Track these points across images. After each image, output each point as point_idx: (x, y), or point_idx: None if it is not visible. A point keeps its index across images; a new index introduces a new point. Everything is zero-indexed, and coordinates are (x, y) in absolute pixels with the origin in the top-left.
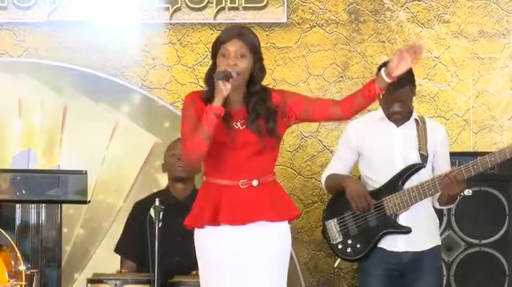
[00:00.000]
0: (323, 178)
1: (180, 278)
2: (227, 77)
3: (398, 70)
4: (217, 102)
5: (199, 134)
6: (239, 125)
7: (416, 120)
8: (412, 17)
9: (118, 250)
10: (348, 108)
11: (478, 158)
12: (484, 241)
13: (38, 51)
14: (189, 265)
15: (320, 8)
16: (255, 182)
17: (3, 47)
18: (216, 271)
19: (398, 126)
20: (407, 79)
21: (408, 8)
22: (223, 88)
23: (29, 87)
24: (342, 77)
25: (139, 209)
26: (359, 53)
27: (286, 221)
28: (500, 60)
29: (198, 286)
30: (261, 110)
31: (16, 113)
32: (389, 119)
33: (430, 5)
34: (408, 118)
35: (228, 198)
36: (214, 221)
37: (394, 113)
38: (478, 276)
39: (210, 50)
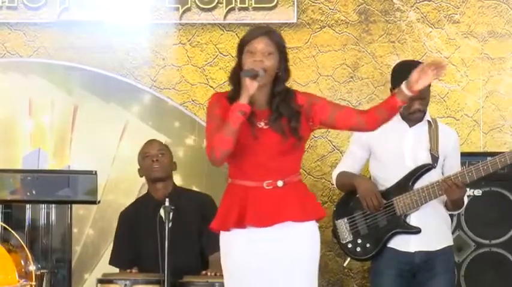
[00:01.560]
0: (334, 174)
1: (190, 278)
2: (254, 75)
3: (420, 84)
4: (244, 99)
5: (224, 131)
6: (262, 125)
7: (429, 121)
8: (422, 17)
9: (112, 262)
10: (373, 120)
11: (488, 158)
12: (494, 241)
13: (48, 51)
14: (187, 263)
15: (330, 9)
16: (280, 183)
17: (13, 47)
18: (243, 274)
19: (411, 126)
20: None
21: (418, 8)
22: (250, 86)
23: (39, 87)
24: (351, 77)
25: (127, 217)
26: (369, 54)
27: (314, 221)
28: (510, 61)
29: (207, 286)
30: (284, 110)
31: (26, 113)
32: (408, 118)
33: (440, 5)
34: (421, 119)
35: (253, 200)
36: (240, 224)
37: (416, 111)
38: (488, 276)
39: (237, 47)
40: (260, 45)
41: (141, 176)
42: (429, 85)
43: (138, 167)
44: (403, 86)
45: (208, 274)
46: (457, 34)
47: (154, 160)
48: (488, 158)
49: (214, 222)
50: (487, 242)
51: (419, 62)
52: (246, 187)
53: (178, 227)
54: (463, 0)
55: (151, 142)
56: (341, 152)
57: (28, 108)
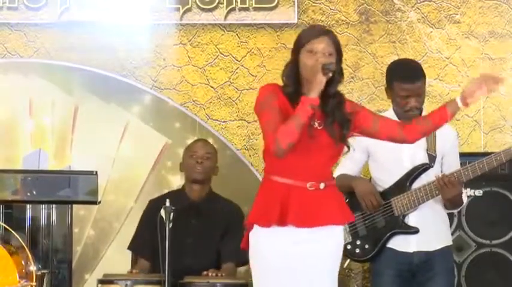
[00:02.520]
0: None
1: (191, 279)
2: (331, 70)
3: (474, 98)
4: (315, 94)
5: (292, 123)
6: (317, 125)
7: None
8: (422, 17)
9: (131, 247)
10: (415, 133)
11: (485, 157)
12: (494, 242)
13: (49, 51)
14: (200, 267)
15: (330, 9)
16: (322, 185)
17: (14, 47)
18: (275, 272)
19: None
20: (420, 73)
21: (419, 9)
22: (323, 81)
23: (39, 87)
24: (352, 77)
25: (154, 207)
26: (370, 54)
27: (342, 226)
28: (510, 61)
29: (208, 286)
30: (338, 114)
31: (27, 114)
32: (404, 117)
33: (441, 5)
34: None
35: (296, 199)
36: (282, 222)
37: (412, 108)
38: (488, 277)
39: (294, 45)
40: (321, 45)
41: (181, 171)
42: (424, 83)
43: (181, 161)
44: (458, 99)
45: (209, 274)
46: (458, 34)
47: (199, 162)
48: (485, 157)
49: (252, 216)
50: (487, 242)
51: (414, 61)
52: (289, 185)
53: (203, 229)
54: (464, 0)
55: (200, 142)
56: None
57: (28, 108)
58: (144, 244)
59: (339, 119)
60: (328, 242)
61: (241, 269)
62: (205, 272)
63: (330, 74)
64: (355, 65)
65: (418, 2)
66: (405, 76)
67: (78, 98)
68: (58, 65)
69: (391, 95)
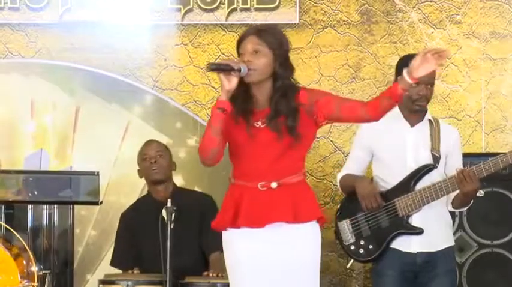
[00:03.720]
0: (338, 178)
1: (192, 279)
2: (223, 69)
3: (421, 71)
4: (222, 96)
5: (208, 130)
6: (259, 124)
7: (430, 121)
8: (424, 17)
9: (114, 264)
10: (375, 109)
11: (490, 158)
12: (496, 242)
13: (50, 52)
14: (188, 263)
15: (332, 9)
16: (273, 184)
17: (15, 48)
18: (239, 274)
19: (412, 126)
20: None
21: (420, 9)
22: (224, 80)
23: (41, 88)
24: (354, 78)
25: (127, 218)
26: (371, 54)
27: (311, 223)
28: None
29: (209, 286)
30: (282, 107)
31: (28, 114)
32: (411, 109)
33: (442, 6)
34: (423, 118)
35: (247, 200)
36: (235, 224)
37: (422, 96)
38: (489, 277)
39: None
40: (248, 45)
41: (140, 177)
42: (435, 72)
43: (138, 168)
44: (405, 72)
45: (210, 274)
46: (459, 35)
47: (152, 162)
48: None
49: (214, 221)
50: (489, 242)
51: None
52: (243, 187)
53: (179, 227)
54: (465, 0)
55: (149, 143)
56: (343, 153)
57: (30, 109)
58: (124, 258)
59: (283, 111)
60: (290, 242)
61: None
62: (206, 273)
63: (235, 73)
64: (357, 65)
65: (420, 2)
66: None
67: (79, 99)
68: (59, 65)
69: None
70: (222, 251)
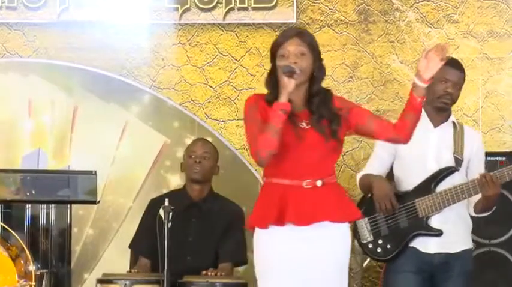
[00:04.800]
0: (358, 177)
1: (190, 278)
2: (291, 72)
3: (429, 72)
4: (283, 98)
5: (268, 132)
6: (304, 125)
7: (453, 123)
8: (421, 17)
9: (132, 245)
10: (404, 130)
11: None
12: (493, 241)
13: (48, 51)
14: (199, 266)
15: (329, 9)
16: (319, 183)
17: (13, 47)
18: (277, 273)
19: (436, 126)
20: (459, 66)
21: (417, 8)
22: (288, 84)
23: (39, 87)
24: (351, 77)
25: (155, 206)
26: (368, 54)
27: (347, 223)
28: (509, 61)
29: (208, 286)
30: (324, 111)
31: (26, 114)
32: (433, 105)
33: (439, 5)
34: (446, 119)
35: (293, 198)
36: (280, 221)
37: (447, 94)
38: (487, 276)
39: (270, 52)
40: (292, 47)
41: (182, 171)
42: (463, 79)
43: (182, 161)
44: (415, 79)
45: (209, 273)
46: (456, 34)
47: (197, 161)
48: None
49: (251, 219)
50: (486, 241)
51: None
52: (285, 185)
53: (204, 229)
54: (462, 0)
55: (198, 141)
56: (342, 154)
57: (28, 108)
58: (144, 243)
59: (326, 115)
60: (329, 241)
61: (240, 269)
62: (204, 272)
63: (296, 76)
64: (354, 64)
65: (417, 1)
66: (456, 63)
67: (77, 98)
68: (57, 64)
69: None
70: (234, 263)
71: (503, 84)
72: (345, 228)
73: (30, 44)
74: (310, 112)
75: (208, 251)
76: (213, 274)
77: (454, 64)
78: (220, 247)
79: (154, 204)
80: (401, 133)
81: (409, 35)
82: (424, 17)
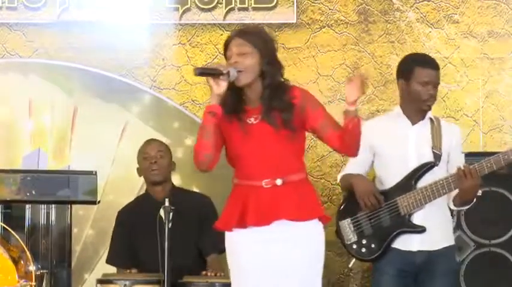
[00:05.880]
0: (338, 178)
1: (190, 278)
2: (203, 73)
3: (351, 96)
4: (212, 100)
5: (202, 135)
6: (252, 121)
7: (431, 119)
8: (421, 17)
9: (110, 261)
10: (348, 148)
11: (492, 156)
12: (493, 241)
13: (48, 51)
14: (185, 263)
15: (330, 9)
16: (278, 181)
17: (13, 47)
18: (246, 274)
19: (413, 124)
20: (434, 64)
21: (418, 9)
22: (214, 85)
23: (39, 87)
24: None
25: (124, 216)
26: (369, 54)
27: (314, 222)
28: (509, 61)
29: (207, 286)
30: (275, 102)
31: (26, 114)
32: (418, 109)
33: (440, 5)
34: (423, 117)
35: (253, 199)
36: (241, 224)
37: (430, 96)
38: (487, 276)
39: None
40: (234, 47)
41: (139, 175)
42: (438, 71)
43: (137, 166)
44: (344, 105)
45: (209, 274)
46: (457, 34)
47: (152, 162)
48: (508, 150)
49: (218, 222)
50: (486, 242)
51: (424, 55)
52: (247, 186)
53: (177, 227)
54: (463, 0)
55: (150, 142)
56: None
57: (28, 108)
58: (121, 255)
59: (277, 105)
60: (293, 241)
61: None
62: (204, 272)
63: (225, 77)
64: (354, 64)
65: (417, 1)
66: (428, 62)
67: (77, 98)
68: (57, 65)
69: (406, 86)
70: (219, 252)
71: (504, 84)
72: (310, 226)
73: (30, 44)
74: (263, 106)
75: (188, 247)
76: (212, 274)
77: (428, 63)
78: (200, 241)
79: (123, 214)
80: (347, 151)
81: (409, 35)
82: (425, 17)
